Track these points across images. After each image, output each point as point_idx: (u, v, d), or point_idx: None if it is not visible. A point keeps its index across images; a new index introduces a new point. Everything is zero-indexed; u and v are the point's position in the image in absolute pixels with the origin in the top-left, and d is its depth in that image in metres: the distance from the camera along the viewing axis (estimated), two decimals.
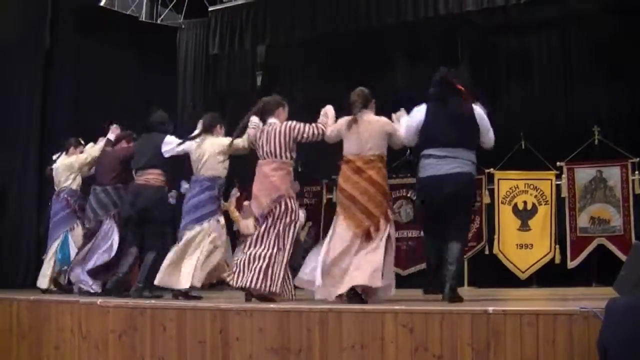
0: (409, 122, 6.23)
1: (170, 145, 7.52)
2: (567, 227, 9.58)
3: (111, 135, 8.49)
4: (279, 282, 6.33)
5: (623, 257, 8.24)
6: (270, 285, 6.27)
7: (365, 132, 6.13)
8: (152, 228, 7.51)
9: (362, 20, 10.10)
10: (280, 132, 6.50)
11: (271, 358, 5.47)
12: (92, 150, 8.60)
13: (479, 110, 6.10)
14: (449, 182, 5.89)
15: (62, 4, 10.86)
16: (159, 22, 12.47)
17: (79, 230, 8.52)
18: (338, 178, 6.27)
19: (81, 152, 8.72)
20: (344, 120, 6.31)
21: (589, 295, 6.62)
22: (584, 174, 9.60)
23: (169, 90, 12.08)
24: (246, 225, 7.33)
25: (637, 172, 9.32)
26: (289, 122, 6.56)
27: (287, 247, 6.43)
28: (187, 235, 7.07)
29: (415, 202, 6.93)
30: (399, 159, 9.67)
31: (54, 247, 8.55)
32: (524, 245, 9.65)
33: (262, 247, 6.36)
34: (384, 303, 5.86)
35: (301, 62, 12.05)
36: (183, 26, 12.52)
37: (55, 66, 10.71)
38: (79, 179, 8.65)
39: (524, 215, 9.75)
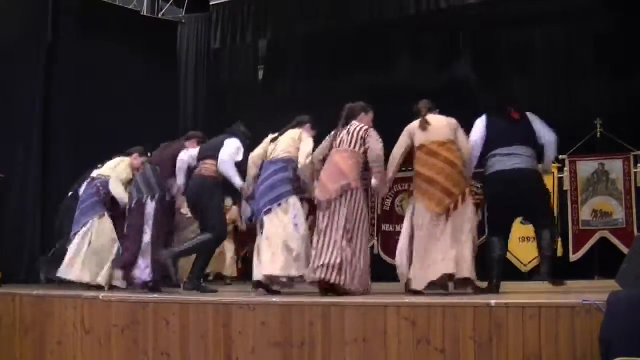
0: (473, 137, 6.57)
1: (226, 146, 7.31)
2: (570, 220, 9.57)
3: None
4: (355, 276, 6.31)
5: (625, 250, 8.24)
6: (345, 279, 6.24)
7: (435, 125, 6.40)
8: (204, 216, 7.31)
9: (364, 15, 10.10)
10: (363, 129, 6.56)
11: (274, 352, 5.48)
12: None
13: (532, 115, 6.67)
14: (514, 177, 6.31)
15: None
16: (160, 16, 12.45)
17: (105, 220, 8.30)
18: (414, 166, 6.43)
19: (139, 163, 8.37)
20: (410, 127, 6.50)
21: (592, 288, 6.62)
22: (586, 167, 9.59)
23: (171, 84, 12.09)
24: None
25: (639, 165, 9.31)
26: (374, 131, 6.62)
27: (362, 240, 6.43)
28: (270, 218, 6.75)
29: (484, 201, 7.11)
30: None
31: (81, 235, 8.25)
32: (526, 238, 9.61)
33: (334, 239, 6.29)
34: (386, 296, 5.87)
35: (303, 56, 12.04)
36: (184, 20, 12.51)
37: (57, 61, 10.70)
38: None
39: None
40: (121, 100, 10.94)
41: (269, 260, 6.62)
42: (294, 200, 6.79)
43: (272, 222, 6.72)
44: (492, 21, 10.57)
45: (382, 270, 8.34)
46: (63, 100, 10.69)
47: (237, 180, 7.27)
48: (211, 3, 11.55)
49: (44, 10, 10.63)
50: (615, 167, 9.45)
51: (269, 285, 6.74)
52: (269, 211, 6.75)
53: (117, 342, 6.40)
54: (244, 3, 11.08)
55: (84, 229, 8.27)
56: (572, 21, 10.29)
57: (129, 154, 8.53)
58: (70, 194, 8.85)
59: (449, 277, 5.99)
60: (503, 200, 6.39)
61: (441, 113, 6.66)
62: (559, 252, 9.45)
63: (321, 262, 6.25)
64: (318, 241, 6.36)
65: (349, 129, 6.61)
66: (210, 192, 7.31)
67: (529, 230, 9.52)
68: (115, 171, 8.39)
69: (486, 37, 10.72)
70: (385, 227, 10.84)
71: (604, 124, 9.57)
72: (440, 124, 6.41)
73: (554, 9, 10.16)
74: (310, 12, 10.47)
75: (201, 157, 7.46)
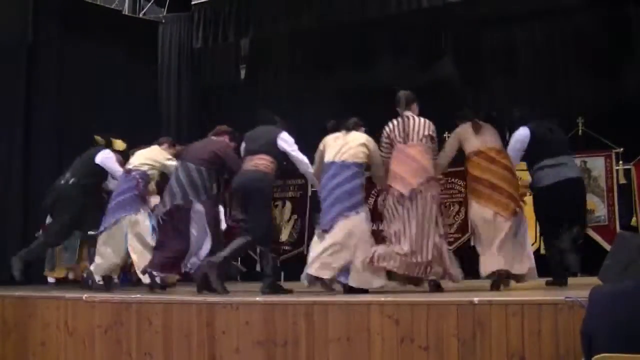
0: (515, 145, 6.91)
1: (287, 141, 7.07)
2: None
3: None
4: (454, 264, 6.50)
5: (608, 247, 8.27)
6: (445, 272, 6.40)
7: (486, 131, 6.67)
8: (251, 212, 6.91)
9: (346, 13, 10.10)
10: (424, 122, 6.64)
11: (257, 351, 5.48)
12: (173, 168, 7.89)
13: None
14: (566, 187, 6.70)
15: None
16: (141, 16, 12.38)
17: (143, 217, 7.86)
18: (471, 171, 6.61)
19: (172, 155, 8.08)
20: (461, 130, 6.75)
21: (574, 285, 6.66)
22: None
23: (153, 84, 12.05)
24: None
25: (621, 162, 9.33)
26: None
27: (445, 229, 6.63)
28: (344, 223, 6.48)
29: (535, 210, 7.29)
30: None
31: (121, 230, 7.81)
32: None
33: (429, 234, 6.35)
34: (370, 294, 5.88)
35: (285, 55, 12.03)
36: (164, 20, 12.45)
37: (38, 61, 10.64)
38: (154, 172, 8.05)
39: None
40: (103, 100, 10.88)
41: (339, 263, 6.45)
42: (366, 211, 6.71)
43: (344, 228, 6.47)
44: (474, 21, 10.59)
45: None
46: (45, 100, 10.62)
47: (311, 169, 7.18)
48: (192, 2, 11.51)
49: (25, 10, 10.56)
50: (597, 164, 9.47)
51: (331, 285, 6.54)
52: (346, 217, 6.51)
53: (100, 343, 6.39)
54: (226, 2, 11.06)
55: (121, 224, 7.82)
56: (553, 19, 10.32)
57: (159, 144, 8.26)
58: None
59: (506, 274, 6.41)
60: (554, 210, 6.77)
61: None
62: (542, 250, 9.47)
63: (419, 259, 6.29)
64: (412, 236, 6.33)
65: (412, 121, 6.62)
66: (269, 191, 7.14)
67: None
68: (152, 154, 8.09)
69: (468, 37, 10.74)
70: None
71: (586, 122, 9.59)
72: (489, 129, 6.68)
73: (535, 8, 10.19)
74: (292, 11, 10.46)
75: (252, 151, 7.07)
